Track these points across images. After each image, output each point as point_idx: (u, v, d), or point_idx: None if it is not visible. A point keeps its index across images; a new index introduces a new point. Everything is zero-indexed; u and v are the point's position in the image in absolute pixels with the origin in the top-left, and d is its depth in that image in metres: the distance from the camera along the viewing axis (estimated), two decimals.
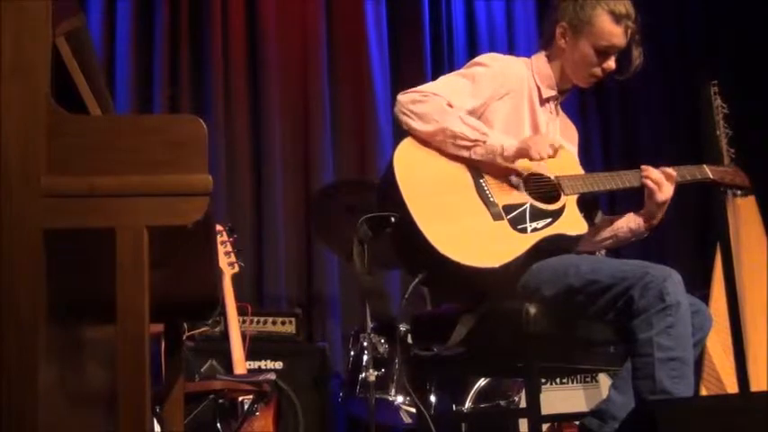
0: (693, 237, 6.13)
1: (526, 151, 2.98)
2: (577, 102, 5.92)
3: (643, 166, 3.17)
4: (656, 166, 3.18)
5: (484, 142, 2.99)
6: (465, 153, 3.00)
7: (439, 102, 3.03)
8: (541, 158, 2.98)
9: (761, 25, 6.17)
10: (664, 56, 6.13)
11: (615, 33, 3.18)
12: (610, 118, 6.53)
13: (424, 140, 3.04)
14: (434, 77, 5.87)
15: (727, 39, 6.35)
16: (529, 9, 6.43)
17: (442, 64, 6.15)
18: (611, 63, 3.23)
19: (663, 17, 6.27)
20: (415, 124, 3.03)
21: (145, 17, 5.64)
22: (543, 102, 3.28)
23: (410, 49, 6.17)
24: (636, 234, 3.27)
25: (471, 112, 3.10)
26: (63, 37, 1.91)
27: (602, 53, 3.20)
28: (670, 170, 3.15)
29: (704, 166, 3.29)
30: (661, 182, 3.13)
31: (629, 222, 3.27)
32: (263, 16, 5.84)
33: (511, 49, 6.26)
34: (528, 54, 3.40)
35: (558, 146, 3.05)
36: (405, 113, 3.05)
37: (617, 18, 3.17)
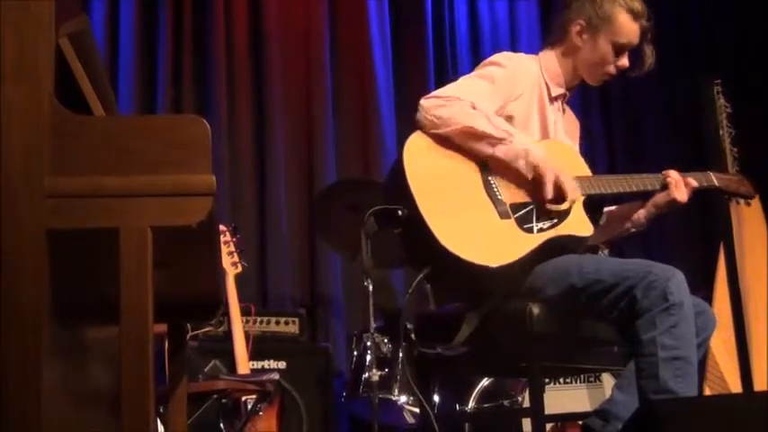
0: (696, 236, 6.12)
1: (555, 181, 2.98)
2: (581, 102, 5.91)
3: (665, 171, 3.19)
4: (659, 168, 3.20)
5: (511, 142, 2.99)
6: (489, 150, 2.98)
7: (463, 105, 3.01)
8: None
9: (762, 23, 6.17)
10: (666, 55, 6.12)
11: (633, 30, 3.23)
12: (613, 118, 6.52)
13: (435, 137, 3.02)
14: (437, 77, 5.93)
15: (729, 37, 6.34)
16: (531, 4, 6.43)
17: (445, 63, 6.14)
18: (624, 61, 3.26)
19: (664, 16, 6.26)
20: (440, 129, 3.01)
21: (148, 18, 5.65)
22: (552, 100, 3.28)
23: (413, 47, 6.17)
24: (635, 224, 3.28)
25: None
26: (66, 38, 1.91)
27: (619, 50, 3.23)
28: (690, 179, 3.17)
29: (710, 173, 3.30)
30: (679, 182, 3.14)
31: (622, 210, 3.28)
32: (266, 17, 5.84)
33: (513, 43, 6.25)
34: (530, 50, 3.40)
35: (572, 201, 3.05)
36: (428, 119, 3.03)
37: (635, 15, 3.23)
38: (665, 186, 3.17)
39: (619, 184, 3.15)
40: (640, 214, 3.26)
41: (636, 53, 3.28)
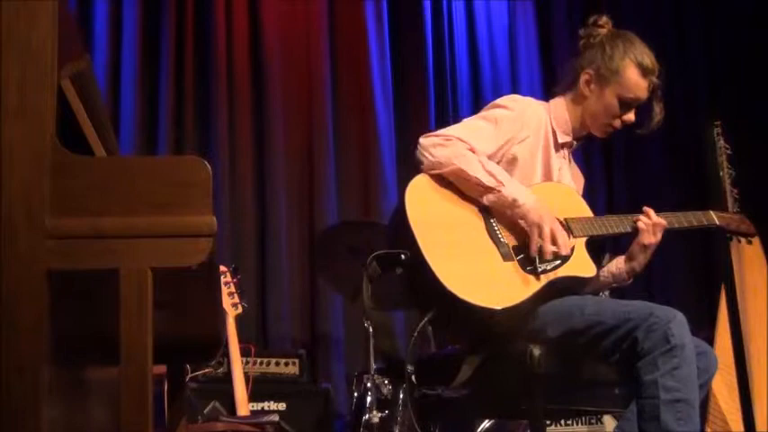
0: (698, 278, 6.11)
1: (539, 229, 2.94)
2: (583, 144, 5.91)
3: (645, 208, 3.18)
4: (660, 208, 3.19)
5: (499, 191, 2.97)
6: (477, 196, 3.00)
7: (461, 147, 3.00)
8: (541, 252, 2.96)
9: (763, 65, 6.20)
10: (667, 96, 6.14)
11: (641, 86, 3.20)
12: (613, 159, 6.53)
13: (437, 179, 3.02)
14: (438, 119, 5.94)
15: (731, 78, 6.37)
16: (531, 47, 6.45)
17: (446, 106, 6.16)
18: (631, 116, 3.24)
19: (666, 59, 6.29)
20: (436, 169, 3.00)
21: (150, 58, 5.67)
22: (558, 147, 3.28)
23: (415, 89, 6.18)
24: (617, 278, 3.26)
25: (491, 156, 3.08)
26: (68, 78, 1.92)
27: (625, 105, 3.21)
28: (660, 219, 3.15)
29: (710, 212, 3.30)
30: (649, 226, 3.13)
31: (609, 267, 3.27)
32: (267, 57, 5.86)
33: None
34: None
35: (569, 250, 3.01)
36: (425, 156, 3.02)
37: (644, 71, 3.19)
38: (636, 230, 3.16)
39: (610, 225, 3.15)
40: (622, 269, 3.25)
41: (644, 109, 3.27)
